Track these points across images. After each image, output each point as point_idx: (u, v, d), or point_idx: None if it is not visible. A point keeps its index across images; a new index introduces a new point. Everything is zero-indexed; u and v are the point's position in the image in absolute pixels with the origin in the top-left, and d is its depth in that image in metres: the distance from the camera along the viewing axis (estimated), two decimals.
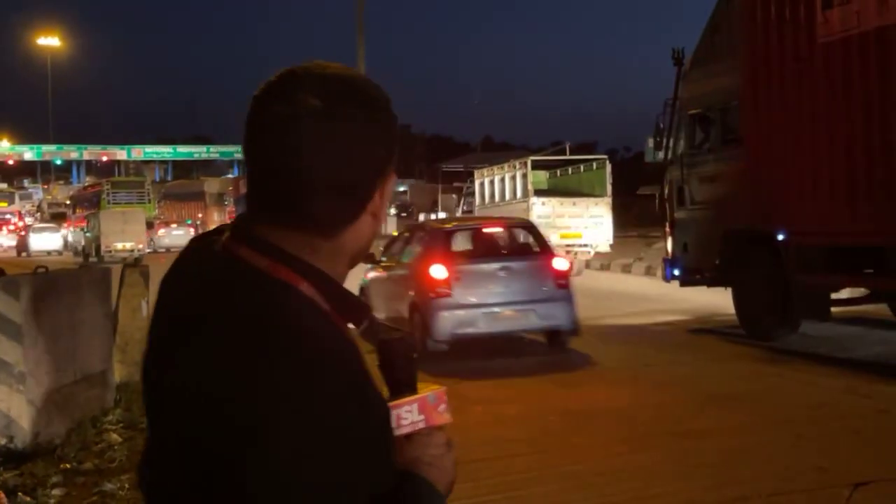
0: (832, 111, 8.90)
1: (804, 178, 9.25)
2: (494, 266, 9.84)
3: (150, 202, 42.88)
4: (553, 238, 19.82)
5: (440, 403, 1.23)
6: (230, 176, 59.42)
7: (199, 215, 51.27)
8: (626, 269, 20.72)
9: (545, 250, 10.50)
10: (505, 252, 10.50)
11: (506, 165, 21.79)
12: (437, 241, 10.37)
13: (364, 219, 1.16)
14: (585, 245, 20.10)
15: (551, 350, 10.39)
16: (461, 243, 11.18)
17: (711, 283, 11.35)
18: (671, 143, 11.96)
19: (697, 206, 11.34)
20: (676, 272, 11.87)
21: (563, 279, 9.96)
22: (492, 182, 22.23)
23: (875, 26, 8.29)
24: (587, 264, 21.32)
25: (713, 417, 6.95)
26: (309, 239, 1.13)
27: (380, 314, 10.42)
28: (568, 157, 24.50)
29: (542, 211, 19.85)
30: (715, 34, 10.96)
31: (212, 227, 1.53)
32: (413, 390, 1.21)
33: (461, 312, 9.54)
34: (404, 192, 51.57)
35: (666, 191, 12.16)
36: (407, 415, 1.19)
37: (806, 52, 9.18)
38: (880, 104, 8.30)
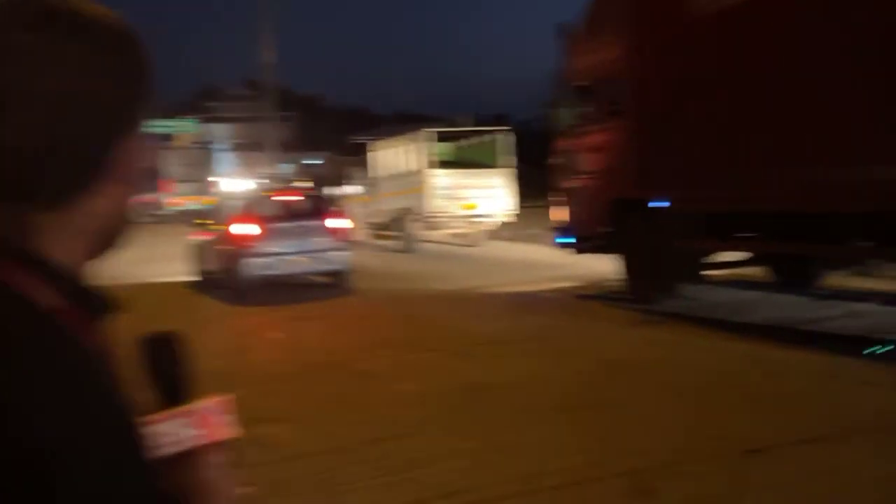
0: (706, 83, 9.25)
1: (682, 147, 9.61)
2: (289, 225, 13.57)
3: None
4: (453, 209, 20.12)
5: (219, 415, 1.06)
6: None
7: None
8: (533, 238, 21.05)
9: (330, 213, 14.35)
10: (299, 215, 13.95)
11: (405, 137, 21.77)
12: (248, 206, 14.36)
13: (107, 187, 0.92)
14: (485, 215, 20.31)
15: (449, 320, 10.65)
16: (268, 208, 14.14)
17: (599, 249, 11.72)
18: (560, 115, 12.24)
19: (585, 176, 11.65)
20: (567, 240, 12.20)
21: (340, 235, 13.93)
22: (391, 154, 22.17)
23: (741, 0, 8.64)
24: (498, 233, 21.59)
25: (614, 387, 7.00)
26: (26, 215, 0.88)
27: (209, 267, 14.37)
28: (471, 128, 24.61)
29: (441, 182, 19.99)
30: (598, 8, 11.22)
31: None
32: (184, 400, 1.04)
33: (264, 259, 13.17)
34: (322, 165, 51.13)
35: (555, 161, 12.45)
36: (174, 430, 1.01)
37: (685, 24, 9.50)
38: (752, 76, 8.66)
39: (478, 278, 14.62)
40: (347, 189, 24.84)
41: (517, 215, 20.91)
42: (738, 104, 8.89)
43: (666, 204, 10.01)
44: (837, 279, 11.19)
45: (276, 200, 14.54)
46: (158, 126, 59.77)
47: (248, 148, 57.09)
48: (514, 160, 20.33)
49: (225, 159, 66.51)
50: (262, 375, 8.03)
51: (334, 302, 13.05)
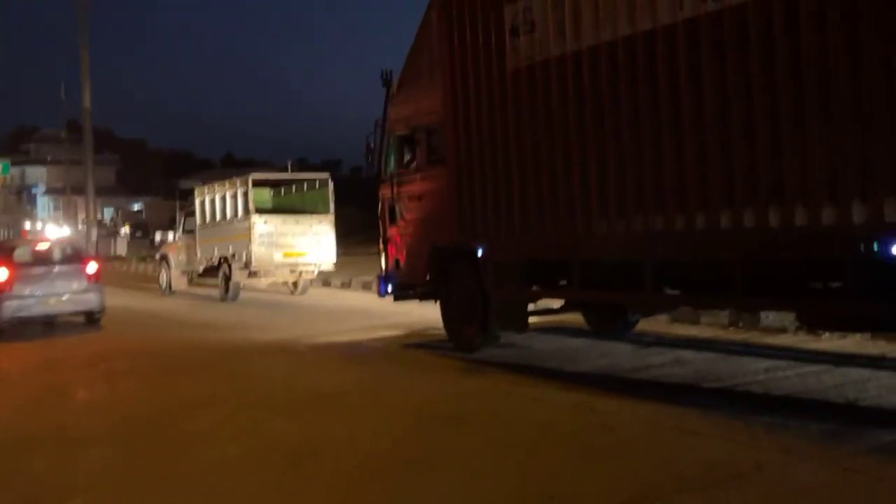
0: (521, 135, 9.45)
1: (499, 196, 9.75)
2: (43, 269, 15.26)
3: None
4: (276, 256, 19.77)
5: None
6: None
7: None
8: (362, 285, 20.82)
9: (83, 259, 16.19)
10: (54, 260, 15.67)
11: (227, 183, 21.32)
12: (3, 252, 15.90)
13: None
14: (308, 263, 20.13)
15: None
16: (22, 255, 15.70)
17: (422, 296, 11.73)
18: (382, 162, 12.22)
19: (407, 223, 11.65)
20: (390, 288, 12.14)
21: (93, 277, 15.58)
22: (213, 200, 21.67)
23: (556, 55, 8.89)
24: (321, 281, 21.39)
25: (442, 443, 6.76)
26: None
27: None
28: (290, 175, 24.40)
29: (264, 229, 19.64)
30: (418, 57, 11.31)
31: None
32: None
33: (18, 301, 14.83)
34: (139, 212, 49.54)
35: (379, 208, 12.40)
36: None
37: (497, 77, 9.69)
38: (562, 129, 8.90)
39: (301, 327, 14.34)
40: (169, 235, 24.10)
41: (340, 263, 20.78)
42: (544, 155, 9.12)
43: (481, 251, 10.12)
44: (658, 325, 11.62)
45: (33, 248, 16.38)
46: None
47: (66, 192, 54.70)
48: (332, 207, 20.26)
49: (42, 203, 63.25)
50: (59, 439, 7.46)
51: (151, 351, 12.47)
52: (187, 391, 9.50)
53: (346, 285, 21.45)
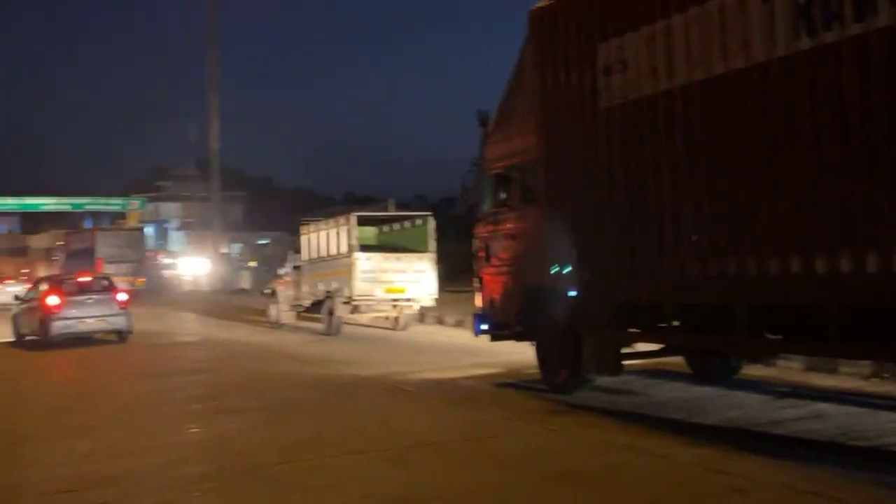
0: (609, 174, 9.33)
1: (587, 237, 9.63)
2: (83, 297, 19.90)
3: None
4: (378, 293, 19.99)
5: None
6: (56, 231, 56.83)
7: (25, 270, 48.82)
8: (460, 323, 20.83)
9: (114, 289, 20.53)
10: (93, 290, 20.38)
11: (331, 221, 21.75)
12: (55, 283, 21.10)
13: None
14: (409, 299, 20.28)
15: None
16: (69, 285, 20.66)
17: (517, 337, 11.62)
18: (478, 201, 12.26)
19: (502, 262, 11.62)
20: (485, 326, 12.09)
21: (122, 304, 20.11)
22: (318, 237, 22.11)
23: (648, 94, 8.77)
24: (421, 317, 21.48)
25: (558, 501, 6.31)
26: None
27: (25, 331, 20.73)
28: (393, 213, 24.69)
29: (366, 266, 19.91)
30: (513, 97, 11.34)
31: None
32: None
33: (65, 321, 19.34)
34: (265, 245, 50.95)
35: (474, 247, 12.41)
36: None
37: (590, 116, 9.61)
38: (654, 167, 8.75)
39: (401, 363, 14.41)
40: (280, 270, 24.66)
41: (439, 300, 20.82)
42: (640, 195, 8.96)
43: (574, 293, 9.98)
44: (792, 374, 10.96)
45: (77, 280, 21.16)
46: (109, 204, 59.31)
47: (197, 227, 56.64)
48: (433, 244, 20.37)
49: (175, 237, 65.80)
50: (166, 481, 7.43)
51: (261, 389, 12.66)
52: (291, 432, 9.24)
53: (443, 322, 21.50)
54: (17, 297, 21.79)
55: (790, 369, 11.16)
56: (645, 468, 7.12)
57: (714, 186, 8.06)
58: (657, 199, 8.76)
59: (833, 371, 10.84)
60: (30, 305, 20.39)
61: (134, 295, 25.67)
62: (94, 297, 19.91)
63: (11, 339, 21.07)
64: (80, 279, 21.34)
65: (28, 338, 20.48)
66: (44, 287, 20.63)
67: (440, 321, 21.69)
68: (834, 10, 6.79)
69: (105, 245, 41.72)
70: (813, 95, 7.04)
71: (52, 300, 19.43)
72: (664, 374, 11.64)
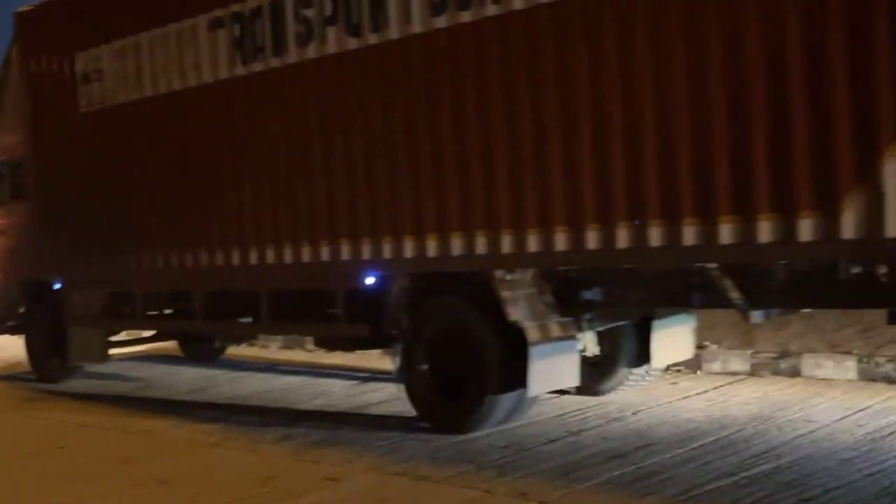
0: (97, 172, 10.03)
1: (67, 231, 10.26)
2: None
3: None
4: None
5: None
6: None
7: None
8: None
9: None
10: None
11: None
12: None
13: None
14: None
15: None
16: None
17: (14, 331, 11.86)
18: None
19: None
20: None
21: None
22: None
23: (122, 101, 9.62)
24: None
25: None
26: None
27: None
28: None
29: None
30: (3, 93, 11.51)
31: None
32: None
33: None
34: None
35: None
36: None
37: (72, 119, 10.22)
38: (131, 169, 9.62)
39: None
40: None
41: None
42: (120, 194, 9.78)
43: (59, 285, 10.55)
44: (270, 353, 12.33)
45: None
46: None
47: None
48: None
49: None
50: None
51: None
52: None
53: None
54: None
55: (267, 349, 12.72)
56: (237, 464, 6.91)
57: (176, 187, 9.13)
58: (134, 198, 9.63)
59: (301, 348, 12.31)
60: None
61: None
62: None
63: None
64: None
65: None
66: None
67: None
68: (259, 46, 8.18)
69: None
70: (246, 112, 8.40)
71: None
72: (169, 358, 12.54)
